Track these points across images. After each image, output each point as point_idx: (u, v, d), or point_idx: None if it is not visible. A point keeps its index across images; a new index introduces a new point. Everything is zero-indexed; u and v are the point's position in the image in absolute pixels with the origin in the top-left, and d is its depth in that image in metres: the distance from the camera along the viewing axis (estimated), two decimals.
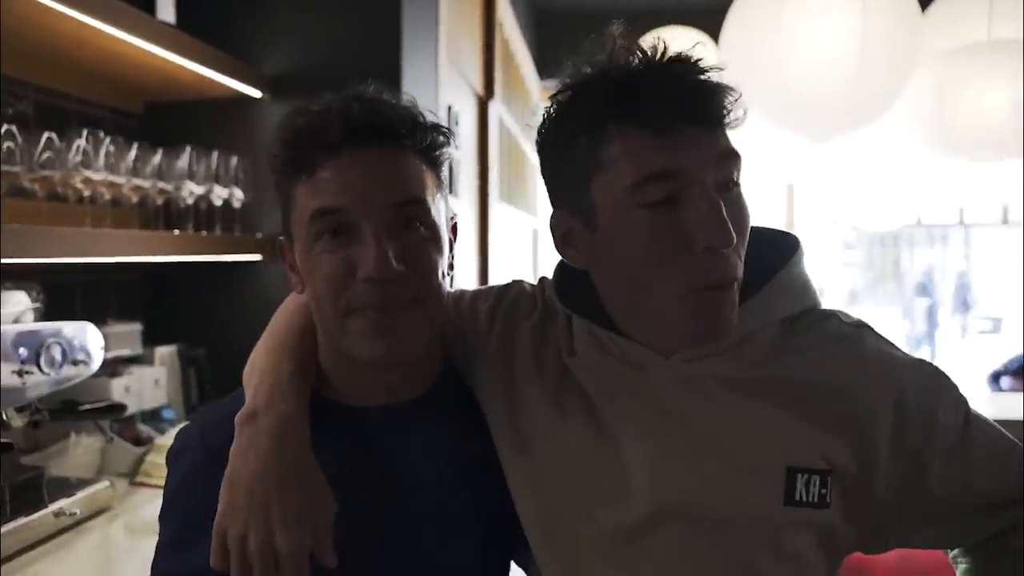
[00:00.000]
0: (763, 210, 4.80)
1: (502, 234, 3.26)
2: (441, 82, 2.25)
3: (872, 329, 0.77)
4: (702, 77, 0.68)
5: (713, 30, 2.91)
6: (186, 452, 0.79)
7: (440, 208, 0.78)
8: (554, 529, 0.77)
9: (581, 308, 0.79)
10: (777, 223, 4.71)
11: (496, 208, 3.15)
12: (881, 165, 3.85)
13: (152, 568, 0.78)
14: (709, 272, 0.68)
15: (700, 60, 0.69)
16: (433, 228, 0.76)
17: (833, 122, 2.82)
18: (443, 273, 0.77)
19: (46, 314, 1.38)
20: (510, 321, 0.85)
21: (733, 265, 0.69)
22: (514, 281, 0.92)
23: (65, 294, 1.63)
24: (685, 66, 0.68)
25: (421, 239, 0.74)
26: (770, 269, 0.76)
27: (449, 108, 2.37)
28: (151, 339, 1.74)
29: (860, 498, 0.71)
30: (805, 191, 4.90)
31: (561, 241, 0.77)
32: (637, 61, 0.69)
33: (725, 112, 0.68)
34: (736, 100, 0.69)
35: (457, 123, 2.47)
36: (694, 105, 0.67)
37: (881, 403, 0.71)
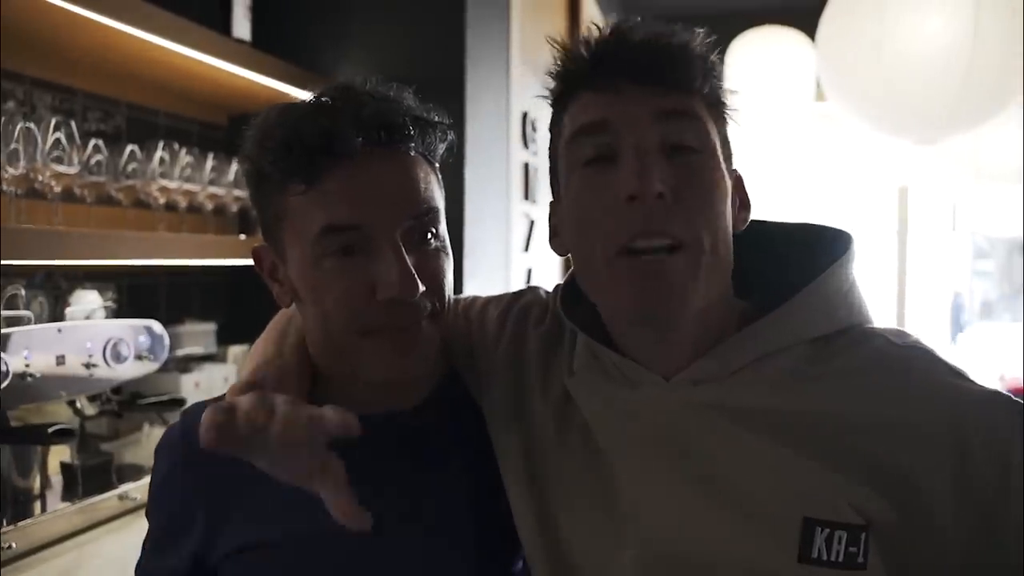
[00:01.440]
0: (871, 215, 4.53)
1: None
2: (514, 89, 2.27)
3: (930, 351, 0.64)
4: (659, 40, 0.63)
5: (810, 29, 2.77)
6: (166, 449, 0.76)
7: (443, 211, 0.74)
8: (555, 559, 0.70)
9: (584, 322, 0.73)
10: (887, 229, 4.44)
11: None
12: (1003, 163, 3.53)
13: (136, 566, 0.78)
14: (632, 224, 0.60)
15: (676, 29, 0.64)
16: (444, 238, 0.73)
17: (940, 124, 2.62)
18: (451, 283, 0.73)
19: (128, 313, 1.50)
20: (520, 329, 0.81)
21: (667, 219, 0.60)
22: (529, 287, 0.87)
23: (149, 294, 1.76)
24: (644, 31, 0.64)
25: (435, 251, 0.71)
26: (808, 276, 0.65)
27: (524, 115, 2.38)
28: (227, 338, 1.85)
29: (917, 561, 0.58)
30: (920, 194, 4.57)
31: (551, 232, 0.73)
32: (610, 35, 0.66)
33: (683, 76, 0.63)
34: (708, 68, 0.64)
35: (535, 129, 2.48)
36: (637, 64, 0.62)
37: (934, 443, 0.58)
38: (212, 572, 0.74)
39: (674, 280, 0.61)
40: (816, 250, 0.68)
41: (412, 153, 0.70)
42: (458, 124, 1.84)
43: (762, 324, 0.64)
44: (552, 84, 0.69)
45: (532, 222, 2.47)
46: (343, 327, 0.69)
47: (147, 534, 0.77)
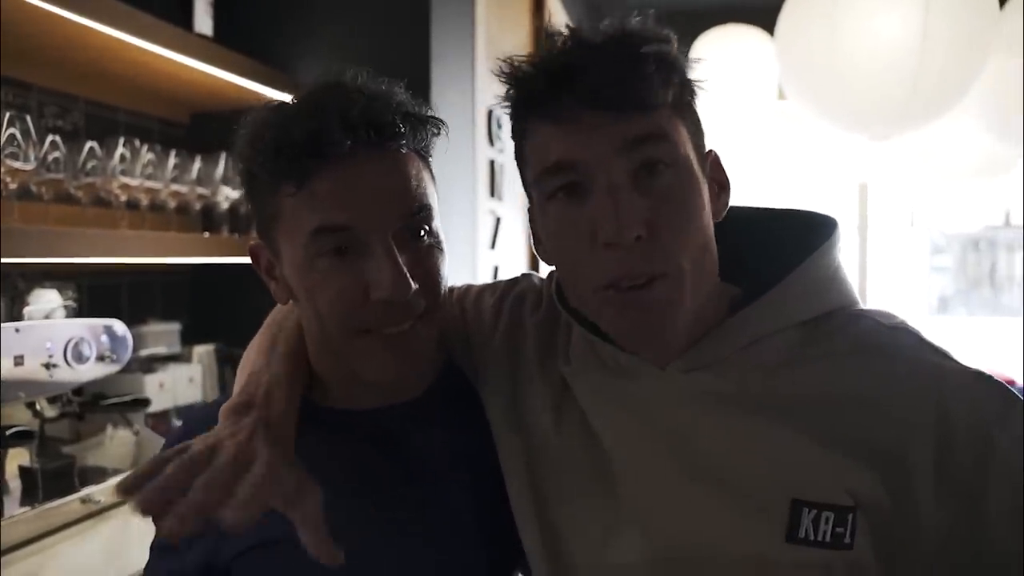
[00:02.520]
0: (832, 211, 4.61)
1: None
2: (479, 86, 2.27)
3: (915, 332, 0.65)
4: (618, 59, 0.60)
5: (773, 28, 2.82)
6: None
7: (436, 205, 0.73)
8: (553, 552, 0.71)
9: (580, 312, 0.72)
10: (847, 225, 4.54)
11: None
12: (960, 161, 3.63)
13: (145, 568, 0.78)
14: (612, 268, 0.61)
15: (634, 33, 0.61)
16: (437, 234, 0.72)
17: (894, 120, 2.69)
18: (446, 281, 0.73)
19: (90, 313, 1.47)
20: (515, 317, 0.81)
21: (646, 260, 0.61)
22: (524, 274, 0.88)
23: (110, 294, 1.73)
24: (600, 45, 0.61)
25: (429, 248, 0.70)
26: (795, 260, 0.66)
27: (490, 112, 2.39)
28: (191, 338, 1.82)
29: (902, 539, 0.59)
30: (880, 190, 4.68)
31: (535, 240, 0.73)
32: (564, 48, 0.63)
33: (647, 95, 0.60)
34: (670, 72, 0.62)
35: (500, 127, 2.48)
36: (598, 93, 0.60)
37: (919, 422, 0.59)
38: (224, 572, 0.74)
39: (657, 308, 0.62)
40: (803, 234, 0.69)
41: (404, 150, 0.69)
42: None
43: (752, 309, 0.65)
44: (508, 103, 0.68)
45: (498, 219, 2.48)
46: (337, 327, 0.69)
47: (155, 537, 0.75)
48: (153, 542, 0.77)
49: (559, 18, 3.27)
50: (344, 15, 1.89)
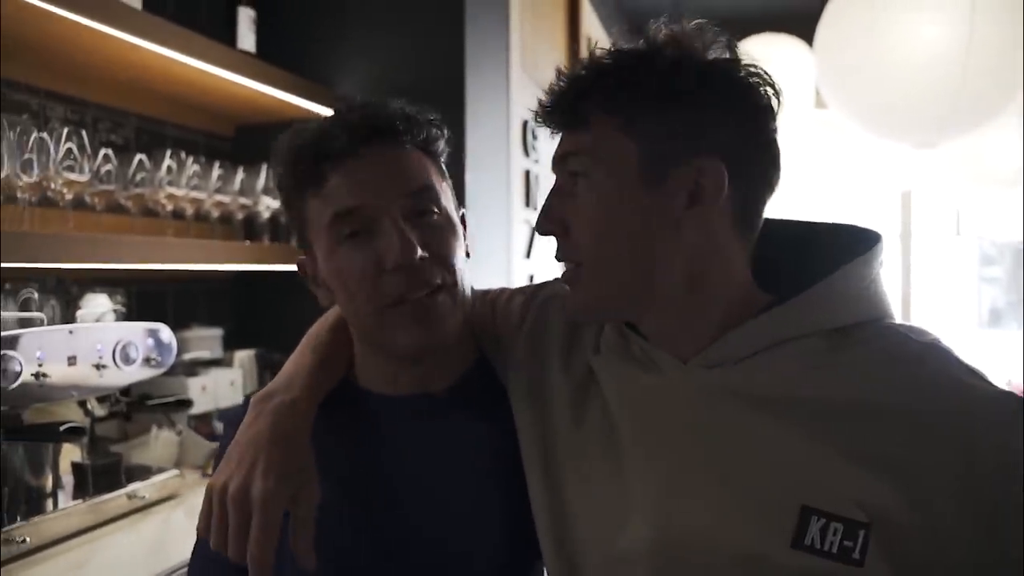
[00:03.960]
0: (874, 219, 4.53)
1: None
2: (513, 97, 2.30)
3: (948, 350, 0.64)
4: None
5: (809, 36, 2.80)
6: (227, 428, 0.86)
7: (449, 196, 0.82)
8: (565, 543, 0.73)
9: None
10: (890, 233, 4.45)
11: None
12: (1006, 167, 3.53)
13: (195, 546, 0.85)
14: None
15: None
16: (446, 214, 0.80)
17: (938, 128, 2.64)
18: (462, 258, 0.80)
19: (139, 317, 1.54)
20: (542, 316, 0.85)
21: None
22: (555, 279, 0.90)
23: (156, 300, 1.80)
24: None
25: (437, 226, 0.78)
26: (829, 271, 0.67)
27: (524, 123, 2.41)
28: (233, 343, 1.89)
29: (919, 562, 0.57)
30: (924, 198, 4.57)
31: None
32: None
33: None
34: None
35: (535, 137, 2.51)
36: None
37: (943, 439, 0.58)
38: None
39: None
40: (843, 246, 0.69)
41: (406, 147, 0.79)
42: (458, 132, 1.88)
43: (778, 311, 0.66)
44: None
45: (533, 229, 2.49)
46: (366, 303, 0.76)
47: None
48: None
49: (593, 27, 3.29)
50: (381, 28, 1.94)
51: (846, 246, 0.69)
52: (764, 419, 0.64)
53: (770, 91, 0.68)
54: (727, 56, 0.68)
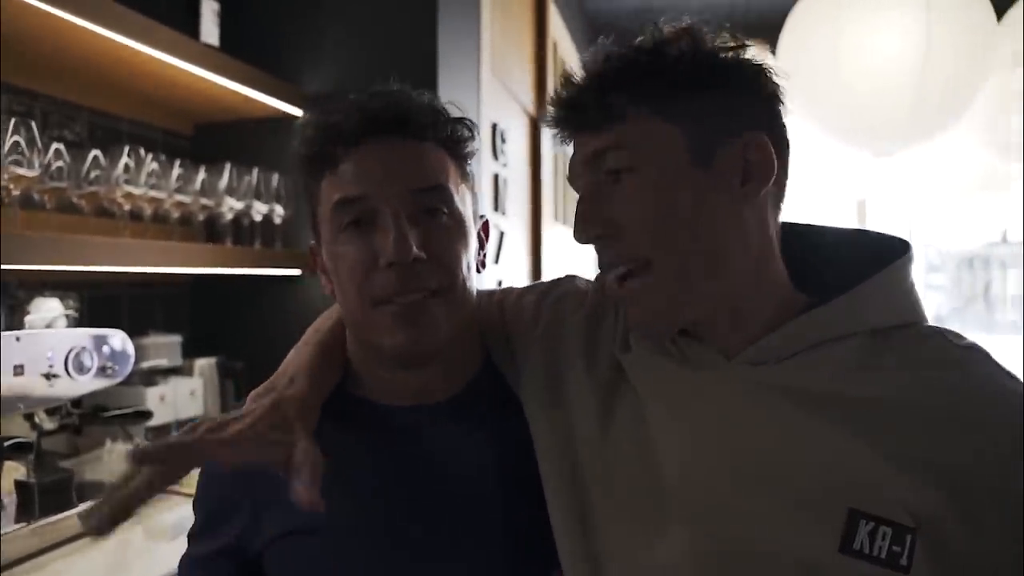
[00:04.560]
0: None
1: (556, 256, 3.23)
2: (484, 100, 2.26)
3: (987, 353, 0.65)
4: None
5: (773, 40, 2.83)
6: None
7: (466, 199, 0.78)
8: (590, 555, 0.69)
9: None
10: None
11: (550, 229, 3.13)
12: (958, 177, 3.63)
13: (182, 557, 0.81)
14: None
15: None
16: (458, 217, 0.75)
17: (896, 135, 2.69)
18: (469, 265, 0.76)
19: (91, 323, 1.44)
20: (557, 315, 0.82)
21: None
22: (567, 276, 0.89)
23: (111, 305, 1.70)
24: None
25: (444, 228, 0.74)
26: (870, 272, 0.67)
27: (494, 126, 2.38)
28: (193, 351, 1.79)
29: (963, 564, 0.57)
30: (878, 207, 4.68)
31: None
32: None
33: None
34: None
35: (504, 140, 2.47)
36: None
37: (990, 446, 0.58)
38: (256, 560, 0.77)
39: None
40: (878, 250, 0.69)
41: (426, 142, 0.75)
42: None
43: (825, 309, 0.65)
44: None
45: (502, 233, 2.46)
46: (355, 296, 0.73)
47: (193, 524, 0.81)
48: (191, 530, 0.81)
49: (559, 33, 3.28)
50: (351, 27, 1.88)
51: (880, 250, 0.69)
52: (810, 418, 0.62)
53: (775, 78, 0.69)
54: (735, 45, 0.69)
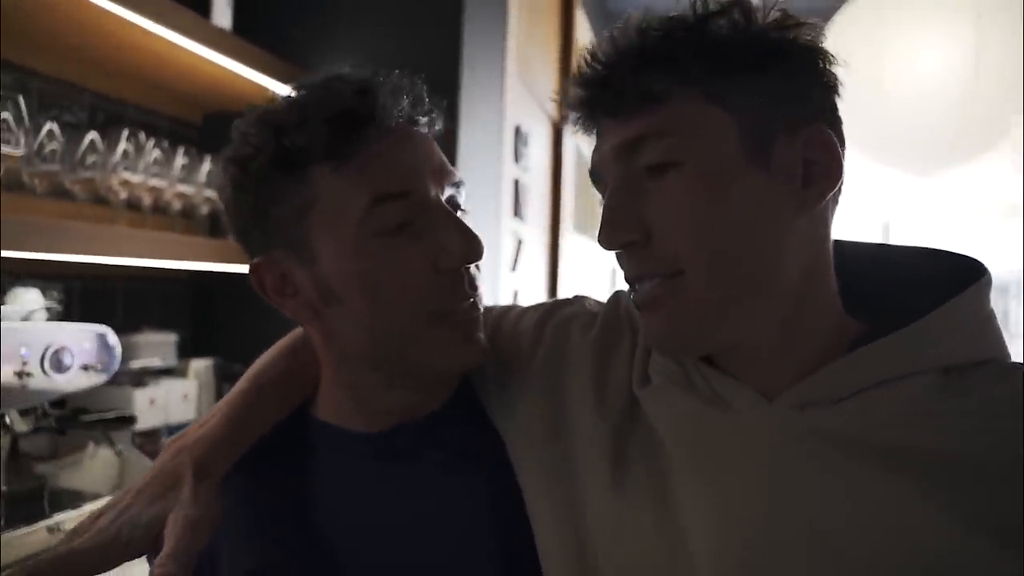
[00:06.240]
0: None
1: (576, 266, 3.14)
2: (508, 101, 2.17)
3: None
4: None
5: None
6: None
7: None
8: None
9: None
10: None
11: (570, 238, 3.04)
12: (989, 202, 3.50)
13: None
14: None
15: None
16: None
17: (938, 155, 2.57)
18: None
19: (83, 318, 1.34)
20: (560, 340, 0.71)
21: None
22: (575, 296, 0.78)
23: (103, 300, 1.60)
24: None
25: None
26: (939, 299, 0.57)
27: (517, 129, 2.28)
28: (189, 351, 1.69)
29: None
30: (903, 230, 4.55)
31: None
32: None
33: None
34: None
35: (526, 144, 2.38)
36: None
37: None
38: None
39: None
40: (947, 273, 0.59)
41: (426, 131, 0.69)
42: (451, 137, 1.73)
43: (884, 344, 0.54)
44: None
45: (520, 241, 2.36)
46: (407, 314, 0.63)
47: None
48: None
49: (586, 38, 3.19)
50: (374, 19, 1.79)
51: (951, 273, 0.59)
52: (869, 474, 0.52)
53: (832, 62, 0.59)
54: (793, 23, 0.57)
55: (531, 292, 2.45)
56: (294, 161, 0.62)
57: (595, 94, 0.58)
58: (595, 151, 0.60)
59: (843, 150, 0.58)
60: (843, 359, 0.55)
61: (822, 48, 0.58)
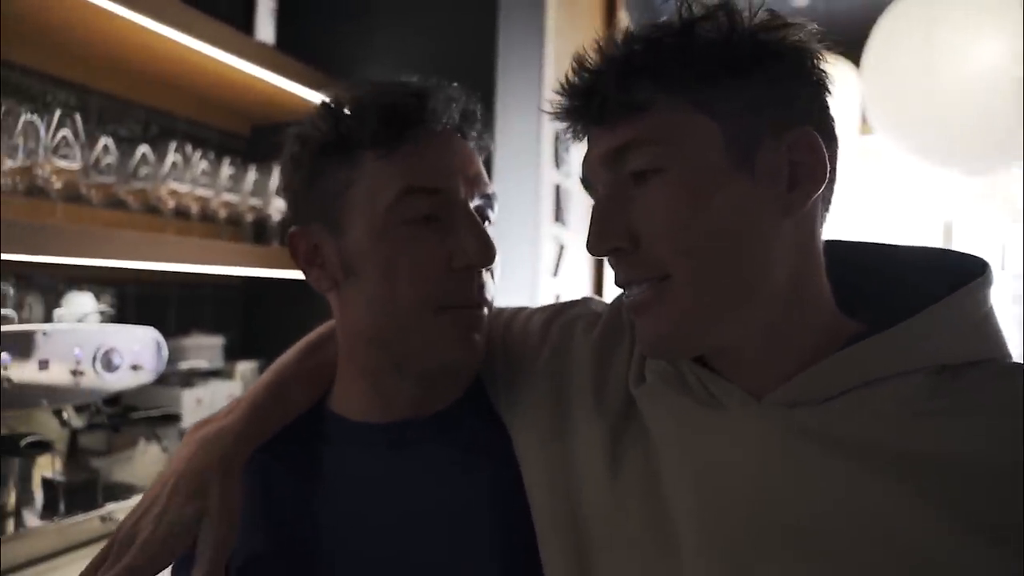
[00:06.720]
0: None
1: None
2: (547, 107, 2.18)
3: None
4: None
5: (855, 56, 2.67)
6: None
7: None
8: None
9: None
10: None
11: None
12: None
13: None
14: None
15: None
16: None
17: (992, 153, 2.48)
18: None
19: (138, 321, 1.42)
20: (565, 340, 0.73)
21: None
22: (583, 298, 0.80)
23: (157, 304, 1.69)
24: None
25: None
26: (934, 296, 0.56)
27: (556, 137, 2.30)
28: (236, 354, 1.76)
29: None
30: (967, 231, 4.37)
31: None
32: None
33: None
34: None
35: (567, 150, 2.39)
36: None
37: None
38: None
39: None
40: (945, 271, 0.58)
41: (470, 143, 0.72)
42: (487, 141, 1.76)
43: (875, 341, 0.54)
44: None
45: (562, 246, 2.37)
46: (415, 301, 0.66)
47: None
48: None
49: None
50: (410, 27, 1.84)
51: (949, 271, 0.58)
52: (860, 474, 0.51)
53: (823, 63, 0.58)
54: (777, 24, 0.57)
55: (573, 296, 2.46)
56: (344, 144, 0.67)
57: (582, 104, 0.58)
58: (584, 158, 0.61)
59: (836, 149, 0.58)
60: (830, 358, 0.54)
61: (811, 48, 0.57)
